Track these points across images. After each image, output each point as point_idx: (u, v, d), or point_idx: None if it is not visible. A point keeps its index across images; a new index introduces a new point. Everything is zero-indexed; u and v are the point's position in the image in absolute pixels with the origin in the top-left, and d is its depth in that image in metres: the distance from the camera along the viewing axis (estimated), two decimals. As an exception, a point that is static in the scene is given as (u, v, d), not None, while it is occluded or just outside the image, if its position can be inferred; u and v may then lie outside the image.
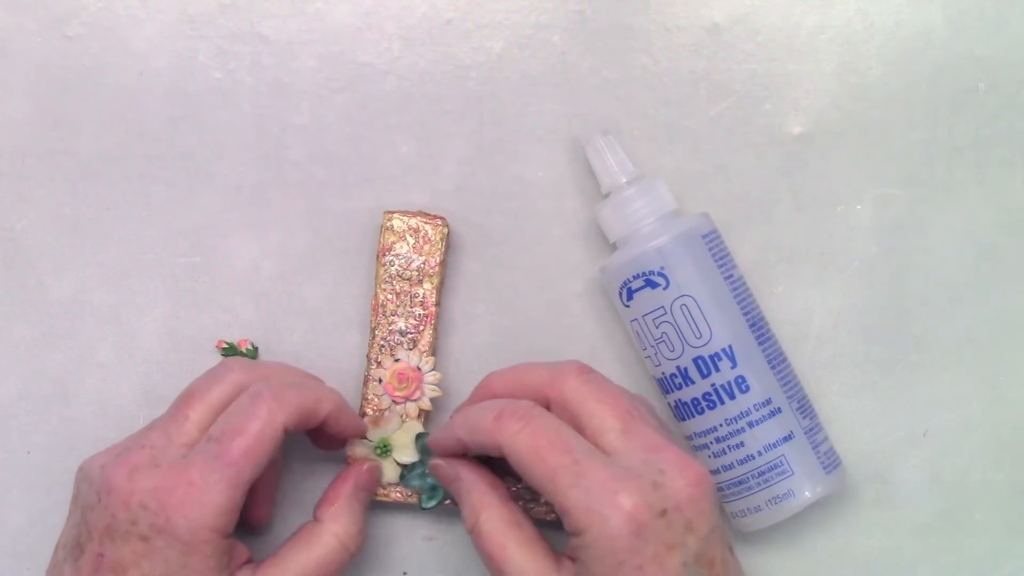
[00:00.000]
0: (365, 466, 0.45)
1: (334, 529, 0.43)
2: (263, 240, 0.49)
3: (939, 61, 0.49)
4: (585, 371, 0.41)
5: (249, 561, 0.42)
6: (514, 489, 0.45)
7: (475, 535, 0.41)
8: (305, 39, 0.49)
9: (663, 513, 0.37)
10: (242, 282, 0.49)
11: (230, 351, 0.48)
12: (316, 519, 0.43)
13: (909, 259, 0.49)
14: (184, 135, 0.49)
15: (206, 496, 0.38)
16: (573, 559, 0.39)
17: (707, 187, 0.48)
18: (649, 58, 0.49)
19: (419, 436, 0.46)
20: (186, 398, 0.41)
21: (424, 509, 0.46)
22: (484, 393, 0.43)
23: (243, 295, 0.49)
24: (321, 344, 0.48)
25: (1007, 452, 0.48)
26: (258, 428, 0.39)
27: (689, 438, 0.45)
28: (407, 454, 0.46)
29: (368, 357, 0.46)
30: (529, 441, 0.39)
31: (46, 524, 0.47)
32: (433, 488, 0.46)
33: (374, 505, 0.47)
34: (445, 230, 0.47)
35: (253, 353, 0.48)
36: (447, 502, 0.46)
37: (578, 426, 0.40)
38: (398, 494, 0.46)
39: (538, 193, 0.49)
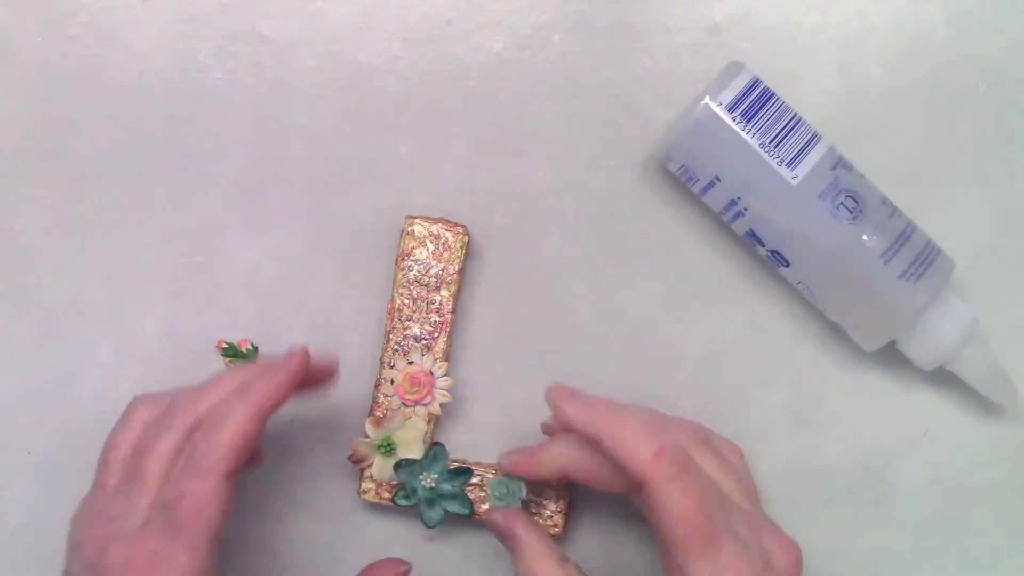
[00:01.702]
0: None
1: None
2: (263, 240, 0.49)
3: (939, 61, 0.49)
4: (711, 438, 0.41)
5: None
6: (523, 497, 0.45)
7: None
8: (305, 39, 0.49)
9: None
10: (242, 282, 0.49)
11: (230, 351, 0.48)
12: None
13: (909, 259, 0.49)
14: (184, 135, 0.49)
15: (171, 566, 0.38)
16: None
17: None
18: (649, 58, 0.49)
19: (435, 445, 0.46)
20: (137, 456, 0.40)
21: (430, 528, 0.46)
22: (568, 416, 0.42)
23: (243, 295, 0.49)
24: (321, 344, 0.48)
25: (1007, 452, 0.48)
26: (199, 488, 0.38)
27: None
28: (412, 450, 0.46)
29: (381, 360, 0.46)
30: (681, 496, 0.38)
31: (46, 524, 0.47)
32: (430, 501, 0.46)
33: (373, 506, 0.47)
34: (465, 238, 0.47)
35: (253, 353, 0.48)
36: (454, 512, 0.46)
37: None
38: (388, 496, 0.46)
39: (538, 193, 0.49)
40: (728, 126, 0.44)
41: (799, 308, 0.48)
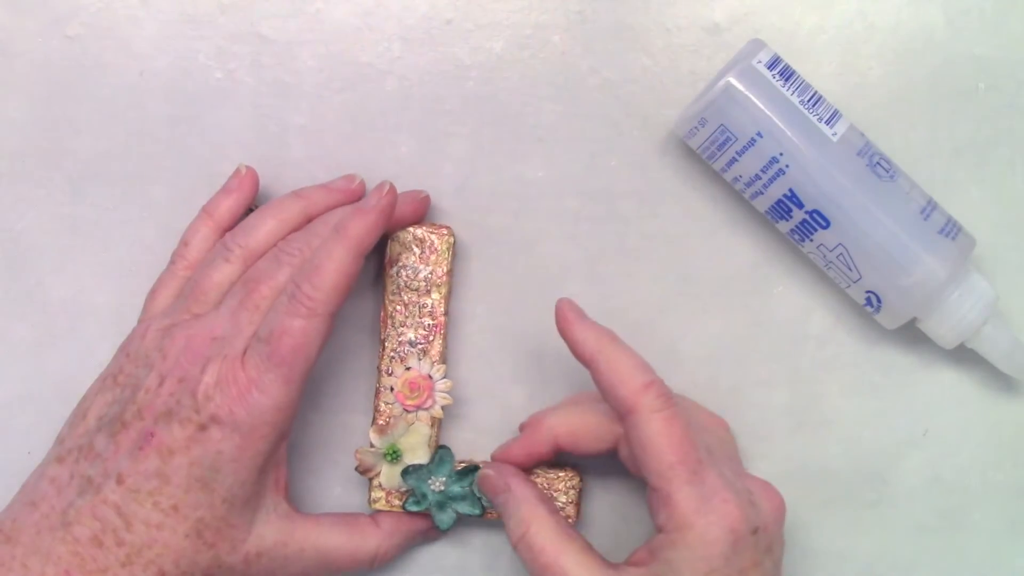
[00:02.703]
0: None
1: (382, 543, 0.45)
2: (263, 240, 0.49)
3: (939, 61, 0.49)
4: (668, 402, 0.40)
5: (287, 496, 0.43)
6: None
7: (524, 547, 0.41)
8: (305, 39, 0.49)
9: (755, 531, 0.39)
10: (242, 282, 0.49)
11: None
12: (375, 521, 0.45)
13: (909, 259, 0.49)
14: (184, 135, 0.49)
15: (265, 393, 0.40)
16: (646, 562, 0.39)
17: (707, 187, 0.48)
18: (649, 58, 0.49)
19: (440, 448, 0.46)
20: (252, 283, 0.42)
21: (443, 531, 0.46)
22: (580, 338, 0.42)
23: (243, 295, 0.48)
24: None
25: (1007, 452, 0.48)
26: (300, 325, 0.40)
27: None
28: (418, 456, 0.46)
29: (378, 368, 0.46)
30: (665, 424, 0.39)
31: (46, 524, 0.47)
32: (441, 504, 0.46)
33: (374, 511, 0.47)
34: (451, 239, 0.46)
35: None
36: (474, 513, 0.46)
37: None
38: (398, 503, 0.46)
39: (538, 193, 0.49)
40: (769, 82, 0.44)
41: (799, 309, 0.48)
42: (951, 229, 0.45)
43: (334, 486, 0.48)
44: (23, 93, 0.49)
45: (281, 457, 0.43)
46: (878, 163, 0.44)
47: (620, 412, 0.40)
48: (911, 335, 0.48)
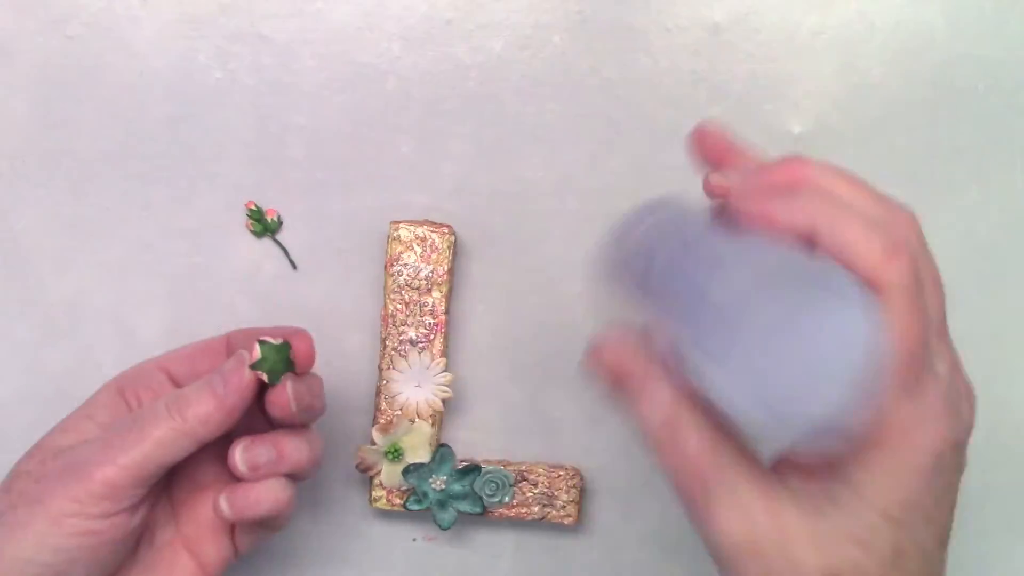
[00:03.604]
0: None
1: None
2: (263, 240, 0.49)
3: (939, 61, 0.49)
4: (923, 239, 0.33)
5: None
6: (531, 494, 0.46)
7: (665, 442, 0.32)
8: (305, 39, 0.49)
9: (956, 447, 0.32)
10: (242, 282, 0.49)
11: (256, 214, 0.48)
12: None
13: (909, 259, 0.49)
14: (184, 135, 0.49)
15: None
16: (821, 476, 0.32)
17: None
18: (649, 58, 0.49)
19: (441, 447, 0.46)
20: None
21: (444, 530, 0.46)
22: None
23: (243, 295, 0.49)
24: (322, 344, 0.48)
25: (1007, 452, 0.48)
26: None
27: None
28: (419, 454, 0.46)
29: (379, 368, 0.46)
30: (908, 314, 0.31)
31: (46, 524, 0.47)
32: (442, 503, 0.46)
33: (374, 509, 0.47)
34: (452, 238, 0.47)
35: (276, 225, 0.48)
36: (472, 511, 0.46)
37: None
38: (399, 502, 0.46)
39: (538, 193, 0.49)
40: None
41: (799, 308, 0.48)
42: None
43: (334, 485, 0.48)
44: (23, 93, 0.49)
45: None
46: None
47: (862, 278, 0.31)
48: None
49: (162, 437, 0.38)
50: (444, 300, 0.46)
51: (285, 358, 0.40)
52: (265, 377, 0.39)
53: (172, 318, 0.48)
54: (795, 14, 0.49)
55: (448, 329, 0.47)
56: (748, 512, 0.31)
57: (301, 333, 0.41)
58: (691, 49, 0.49)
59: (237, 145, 0.49)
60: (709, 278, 0.31)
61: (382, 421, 0.46)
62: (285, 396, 0.40)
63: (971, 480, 0.48)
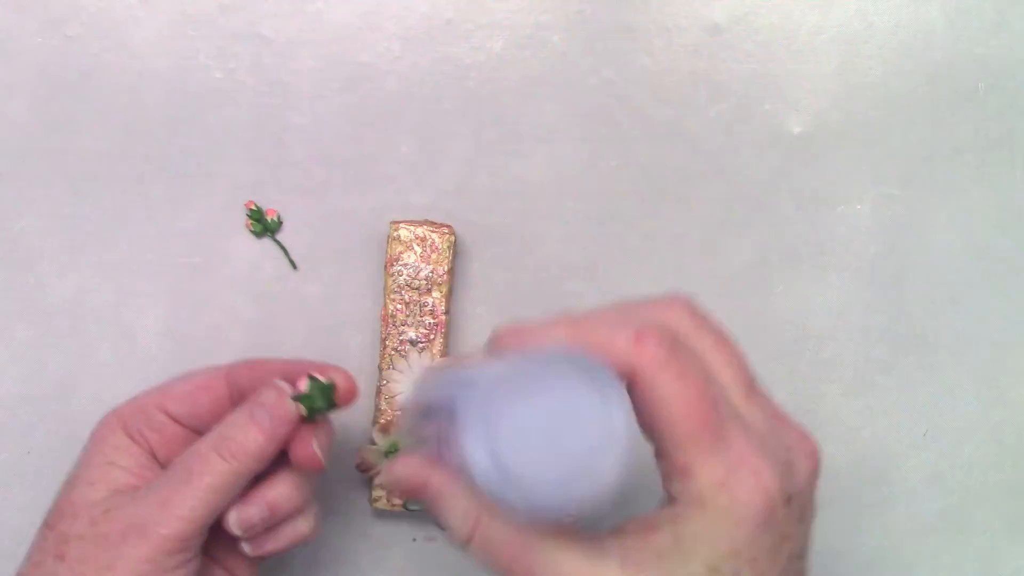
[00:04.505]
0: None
1: None
2: (263, 240, 0.49)
3: (939, 61, 0.49)
4: (696, 312, 0.34)
5: None
6: None
7: (478, 545, 0.33)
8: (305, 39, 0.49)
9: (789, 500, 0.32)
10: (242, 282, 0.49)
11: (256, 215, 0.48)
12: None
13: (909, 259, 0.49)
14: (184, 135, 0.49)
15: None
16: (648, 532, 0.32)
17: (707, 187, 0.48)
18: (649, 58, 0.49)
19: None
20: None
21: (444, 530, 0.46)
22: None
23: (243, 295, 0.49)
24: (321, 344, 0.48)
25: (1007, 452, 0.48)
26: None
27: None
28: None
29: (379, 368, 0.46)
30: (679, 381, 0.31)
31: (46, 524, 0.47)
32: None
33: (374, 509, 0.47)
34: (452, 238, 0.47)
35: (276, 225, 0.48)
36: None
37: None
38: (399, 502, 0.46)
39: (538, 193, 0.49)
40: None
41: (799, 309, 0.48)
42: None
43: (334, 484, 0.48)
44: (23, 93, 0.49)
45: None
46: None
47: (625, 379, 0.32)
48: (912, 335, 0.48)
49: (216, 483, 0.39)
50: (444, 300, 0.46)
51: (329, 398, 0.40)
52: (304, 411, 0.40)
53: (172, 318, 0.48)
54: (795, 14, 0.49)
55: (448, 329, 0.47)
56: None
57: (343, 372, 0.42)
58: (691, 49, 0.49)
59: (237, 145, 0.49)
60: (470, 385, 0.31)
61: (382, 421, 0.46)
62: (311, 448, 0.41)
63: (971, 480, 0.48)
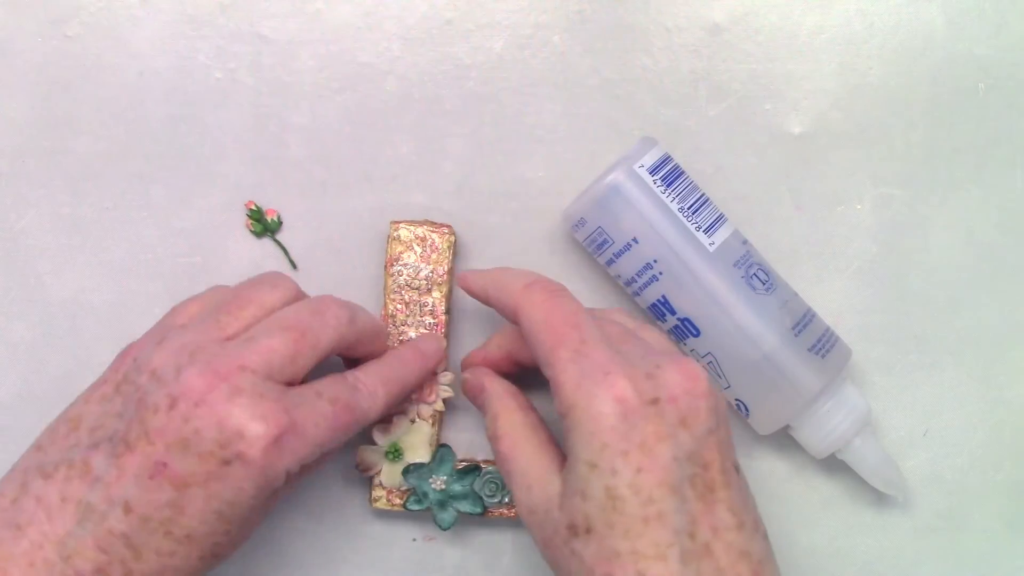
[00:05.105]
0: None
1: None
2: (263, 240, 0.49)
3: (939, 61, 0.49)
4: (552, 293, 0.41)
5: None
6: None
7: (493, 439, 0.41)
8: (305, 39, 0.49)
9: (654, 402, 0.36)
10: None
11: (255, 214, 0.48)
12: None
13: (909, 259, 0.49)
14: (184, 135, 0.49)
15: (305, 444, 0.37)
16: (567, 452, 0.38)
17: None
18: (649, 58, 0.49)
19: (441, 447, 0.46)
20: (298, 333, 0.39)
21: (444, 530, 0.46)
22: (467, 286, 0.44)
23: (243, 295, 0.48)
24: (321, 344, 0.48)
25: (1007, 452, 0.48)
26: (359, 403, 0.41)
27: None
28: (419, 454, 0.46)
29: None
30: (546, 312, 0.39)
31: (46, 524, 0.47)
32: (442, 503, 0.46)
33: (374, 509, 0.47)
34: (452, 238, 0.47)
35: (276, 225, 0.48)
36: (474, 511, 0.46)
37: None
38: (399, 502, 0.46)
39: (538, 193, 0.49)
40: (649, 188, 0.44)
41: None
42: (824, 345, 0.44)
43: (334, 484, 0.48)
44: (23, 93, 0.49)
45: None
46: (755, 275, 0.44)
47: (512, 320, 0.41)
48: (912, 335, 0.48)
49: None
50: (444, 300, 0.46)
51: None
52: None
53: (172, 318, 0.48)
54: (795, 14, 0.49)
55: (448, 329, 0.47)
56: (531, 487, 0.38)
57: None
58: (691, 49, 0.49)
59: (237, 145, 0.49)
60: None
61: (382, 421, 0.46)
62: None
63: (971, 480, 0.48)
